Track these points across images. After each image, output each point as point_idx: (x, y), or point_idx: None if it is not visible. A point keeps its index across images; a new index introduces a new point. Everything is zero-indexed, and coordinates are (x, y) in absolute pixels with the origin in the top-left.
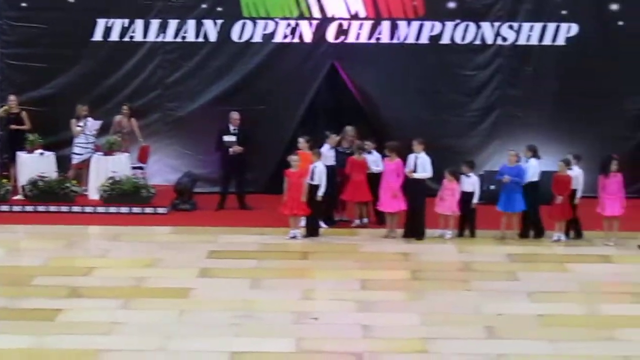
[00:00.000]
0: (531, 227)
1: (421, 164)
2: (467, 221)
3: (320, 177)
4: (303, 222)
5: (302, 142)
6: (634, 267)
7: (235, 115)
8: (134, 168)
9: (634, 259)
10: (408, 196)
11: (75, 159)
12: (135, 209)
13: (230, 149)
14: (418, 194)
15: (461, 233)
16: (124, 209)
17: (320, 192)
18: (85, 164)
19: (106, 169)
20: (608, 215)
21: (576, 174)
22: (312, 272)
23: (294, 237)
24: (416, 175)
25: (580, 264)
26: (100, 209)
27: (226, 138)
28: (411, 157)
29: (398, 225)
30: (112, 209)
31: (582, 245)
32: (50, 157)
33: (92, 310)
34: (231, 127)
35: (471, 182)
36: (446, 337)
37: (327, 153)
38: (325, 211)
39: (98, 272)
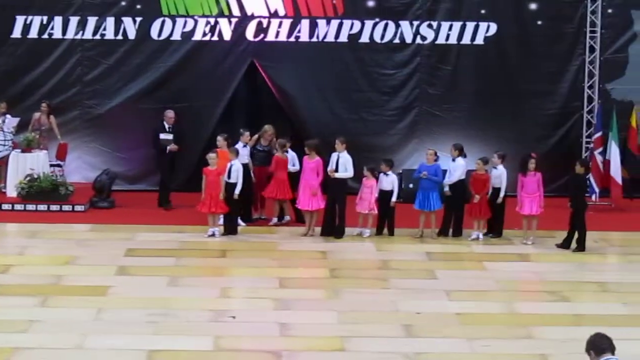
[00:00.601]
0: (451, 226)
1: (343, 164)
2: (385, 219)
3: (237, 175)
4: (222, 220)
5: (220, 140)
6: (552, 265)
7: (170, 114)
8: (52, 165)
9: (552, 258)
10: (328, 195)
11: None
12: (54, 207)
13: (168, 147)
14: (338, 192)
15: (380, 231)
16: (42, 207)
17: (237, 190)
18: (3, 161)
19: (24, 166)
20: (526, 214)
21: (500, 172)
22: (230, 270)
23: (212, 235)
24: (338, 175)
25: (499, 263)
26: (18, 207)
27: (163, 136)
28: (333, 156)
29: (317, 224)
30: (30, 207)
31: (500, 243)
32: None
33: (9, 308)
34: (166, 126)
35: (390, 181)
36: (364, 335)
37: (241, 151)
38: (241, 209)
39: (16, 269)
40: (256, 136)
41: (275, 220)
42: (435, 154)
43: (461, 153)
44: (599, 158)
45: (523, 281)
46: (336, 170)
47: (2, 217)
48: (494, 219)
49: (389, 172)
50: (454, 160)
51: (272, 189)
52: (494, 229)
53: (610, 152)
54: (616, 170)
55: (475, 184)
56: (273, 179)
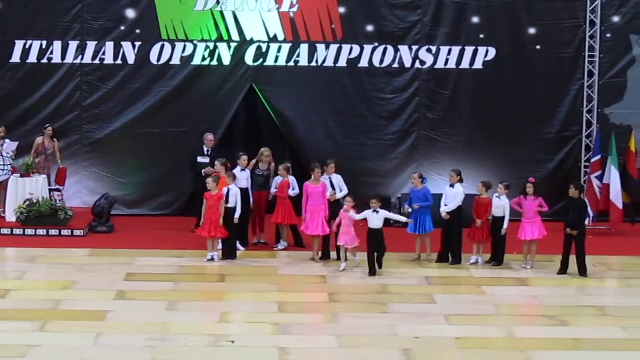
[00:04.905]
0: (451, 252)
1: (337, 184)
2: (375, 255)
3: (235, 199)
4: (221, 244)
5: (218, 165)
6: (551, 290)
7: (209, 137)
8: (52, 190)
9: (551, 282)
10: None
11: None
12: (53, 232)
13: (203, 170)
14: (338, 214)
15: (372, 272)
16: (41, 232)
17: (237, 214)
18: (2, 186)
19: (23, 191)
20: (528, 239)
21: (503, 203)
22: (230, 294)
23: (211, 260)
24: (339, 196)
25: (498, 287)
26: (17, 231)
27: (200, 159)
28: (325, 179)
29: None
30: (29, 231)
31: (499, 268)
32: None
33: (7, 333)
34: (205, 149)
35: (380, 217)
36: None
37: (239, 175)
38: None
39: (14, 294)
40: (254, 160)
41: (285, 244)
42: (421, 176)
43: (460, 179)
44: (595, 182)
45: (522, 305)
46: (335, 193)
47: (1, 242)
48: (495, 247)
49: (379, 210)
50: (452, 186)
51: (281, 214)
52: (496, 257)
53: (610, 177)
54: (616, 195)
55: (478, 208)
56: (280, 203)
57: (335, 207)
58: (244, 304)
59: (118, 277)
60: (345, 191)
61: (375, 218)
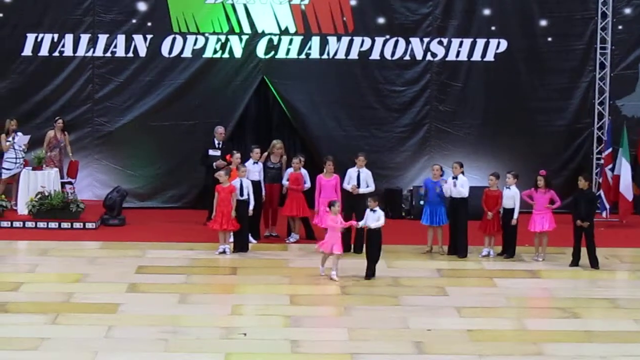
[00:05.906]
0: (457, 244)
1: (364, 179)
2: (370, 261)
3: (248, 192)
4: (232, 237)
5: (238, 155)
6: (562, 282)
7: (220, 130)
8: (63, 183)
9: (562, 274)
10: (348, 212)
11: (5, 174)
12: (64, 224)
13: (215, 163)
14: (359, 209)
15: (370, 273)
16: (52, 224)
17: (251, 207)
18: (14, 179)
19: (35, 184)
20: (538, 231)
21: (513, 193)
22: (241, 287)
23: (223, 252)
24: (362, 191)
25: (509, 279)
26: (29, 224)
27: (211, 152)
28: (352, 172)
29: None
30: (41, 224)
31: (510, 260)
32: None
33: (19, 326)
34: (216, 142)
35: (376, 217)
36: (375, 352)
37: (252, 168)
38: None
39: (26, 287)
40: (266, 153)
41: (296, 237)
42: (441, 169)
43: (462, 171)
44: (609, 174)
45: (533, 298)
46: (359, 186)
47: (13, 235)
48: (506, 239)
49: (376, 209)
50: (455, 177)
51: (292, 207)
52: (507, 250)
53: (620, 168)
54: (626, 187)
55: (487, 200)
56: (291, 196)
57: (353, 201)
58: (255, 297)
59: (129, 270)
60: (372, 187)
61: (372, 217)
